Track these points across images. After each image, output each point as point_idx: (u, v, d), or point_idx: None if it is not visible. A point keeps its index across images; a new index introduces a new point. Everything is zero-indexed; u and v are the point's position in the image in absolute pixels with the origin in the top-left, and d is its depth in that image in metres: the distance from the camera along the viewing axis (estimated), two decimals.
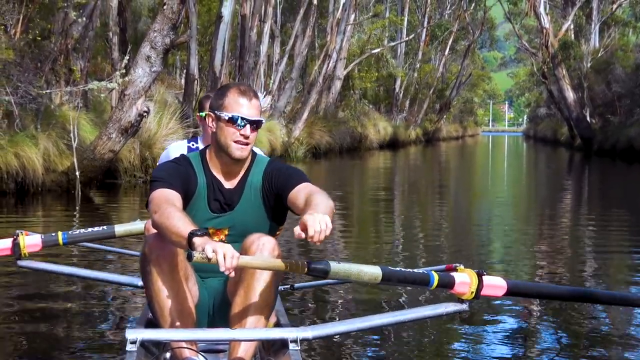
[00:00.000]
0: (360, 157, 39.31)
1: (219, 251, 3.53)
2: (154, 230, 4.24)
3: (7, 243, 5.36)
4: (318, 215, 3.69)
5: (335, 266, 3.73)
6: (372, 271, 3.82)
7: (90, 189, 17.18)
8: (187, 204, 4.25)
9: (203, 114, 5.55)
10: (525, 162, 42.70)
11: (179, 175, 4.25)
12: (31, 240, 5.37)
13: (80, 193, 16.37)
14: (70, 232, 5.62)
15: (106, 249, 7.21)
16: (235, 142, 4.26)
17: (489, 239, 12.42)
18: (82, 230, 5.74)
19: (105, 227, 5.84)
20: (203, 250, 3.55)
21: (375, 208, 16.83)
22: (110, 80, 17.55)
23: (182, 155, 4.49)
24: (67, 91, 18.81)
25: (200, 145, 5.75)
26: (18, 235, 5.35)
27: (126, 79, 16.25)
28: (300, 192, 4.16)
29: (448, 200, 19.29)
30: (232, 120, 4.25)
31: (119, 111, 16.21)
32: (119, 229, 5.84)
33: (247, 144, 4.28)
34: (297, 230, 3.66)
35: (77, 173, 16.47)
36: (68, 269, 5.84)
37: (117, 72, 17.58)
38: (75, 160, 16.54)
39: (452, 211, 16.40)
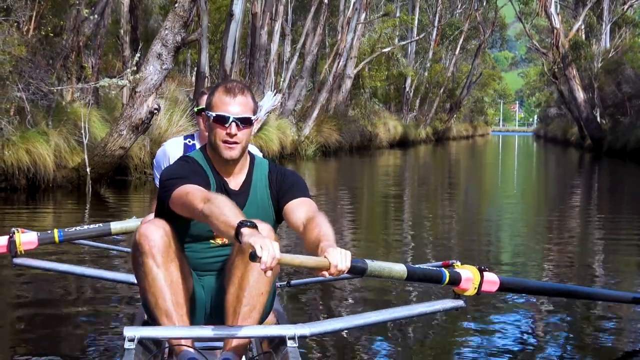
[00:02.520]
0: (370, 156, 39.33)
1: (265, 249, 3.44)
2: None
3: (2, 241, 5.32)
4: (342, 251, 3.66)
5: (371, 264, 3.81)
6: (399, 269, 3.93)
7: (101, 185, 17.26)
8: None
9: (196, 109, 5.54)
10: (535, 162, 42.65)
11: (199, 174, 4.17)
12: (27, 238, 5.33)
13: (90, 189, 16.44)
14: (66, 230, 5.58)
15: (102, 246, 7.14)
16: (224, 142, 4.16)
17: (496, 237, 12.42)
18: (78, 228, 5.70)
19: (101, 224, 5.83)
20: (253, 247, 3.47)
21: (382, 205, 16.86)
22: (122, 78, 17.62)
23: (187, 157, 4.36)
24: (79, 88, 18.90)
25: (197, 142, 5.68)
26: (14, 233, 5.29)
27: (137, 76, 16.31)
28: (300, 207, 4.13)
29: (456, 198, 19.30)
30: (218, 120, 4.16)
31: (129, 108, 16.28)
32: (115, 226, 5.82)
33: (235, 143, 4.17)
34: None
35: (88, 169, 16.56)
36: (64, 266, 5.77)
37: (128, 70, 17.65)
38: (86, 156, 16.63)
39: (460, 209, 16.42)
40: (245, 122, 4.18)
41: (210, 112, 4.19)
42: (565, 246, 11.18)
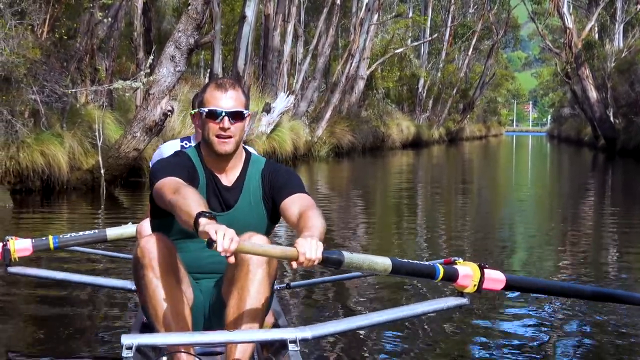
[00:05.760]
0: (383, 157, 39.31)
1: (219, 233, 3.42)
2: (146, 233, 4.18)
3: None
4: (313, 241, 3.60)
5: (348, 256, 3.67)
6: (383, 262, 3.80)
7: (115, 187, 17.34)
8: None
9: (193, 111, 5.57)
10: (549, 162, 42.58)
11: (184, 168, 4.18)
12: (21, 245, 5.23)
13: (104, 191, 16.53)
14: (61, 236, 5.52)
15: (98, 252, 7.07)
16: (217, 136, 4.19)
17: (508, 236, 12.36)
18: (73, 234, 5.64)
19: (96, 230, 5.78)
20: (207, 233, 3.45)
21: (395, 204, 16.88)
22: (135, 80, 17.73)
23: (180, 151, 4.42)
24: (93, 90, 19.01)
25: (193, 144, 5.58)
26: (8, 240, 5.19)
27: (151, 78, 16.40)
28: (295, 203, 4.10)
29: (469, 198, 19.29)
30: (210, 115, 4.19)
31: (143, 110, 16.36)
32: (111, 232, 5.78)
33: (229, 137, 4.19)
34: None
35: (102, 171, 16.64)
36: (60, 274, 5.68)
37: (142, 72, 17.74)
38: (100, 158, 16.72)
39: (472, 208, 16.40)
40: (238, 116, 4.21)
41: (203, 108, 4.23)
42: (579, 246, 11.17)
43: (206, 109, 4.21)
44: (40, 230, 11.33)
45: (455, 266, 4.06)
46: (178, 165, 4.17)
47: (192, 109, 5.55)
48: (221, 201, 4.27)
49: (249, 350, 3.96)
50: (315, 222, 3.85)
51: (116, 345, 5.45)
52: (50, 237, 5.47)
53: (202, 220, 3.54)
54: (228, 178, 4.30)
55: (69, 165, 16.59)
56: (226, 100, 4.20)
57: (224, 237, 3.41)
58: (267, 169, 4.33)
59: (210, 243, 3.41)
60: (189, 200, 3.71)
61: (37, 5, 16.98)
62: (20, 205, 14.55)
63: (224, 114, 4.18)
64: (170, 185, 3.91)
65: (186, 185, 3.91)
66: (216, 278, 4.26)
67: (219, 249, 3.40)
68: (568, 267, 9.26)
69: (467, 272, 4.04)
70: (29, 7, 16.67)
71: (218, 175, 4.29)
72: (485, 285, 4.06)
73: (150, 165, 5.74)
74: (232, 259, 3.51)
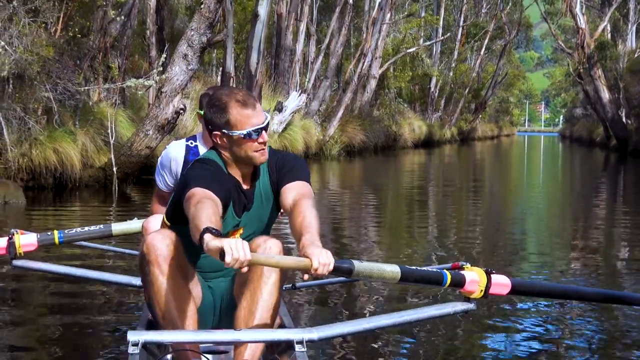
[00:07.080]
0: (394, 156, 39.29)
1: (234, 254, 3.42)
2: (152, 229, 4.17)
3: (2, 242, 5.20)
4: (323, 251, 3.64)
5: (358, 265, 3.72)
6: (392, 270, 3.83)
7: (127, 184, 17.38)
8: (225, 211, 4.10)
9: (202, 112, 5.32)
10: (561, 162, 42.49)
11: (218, 178, 4.12)
12: (27, 240, 5.22)
13: (117, 188, 16.60)
14: (66, 231, 5.52)
15: (103, 248, 7.06)
16: (256, 151, 4.16)
17: (519, 239, 12.34)
18: (79, 229, 5.63)
19: (101, 226, 5.77)
20: (219, 249, 3.45)
21: (405, 205, 16.89)
22: (148, 78, 17.80)
23: (210, 160, 4.27)
24: (105, 88, 19.07)
25: (199, 144, 5.60)
26: (13, 234, 5.18)
27: (163, 76, 16.45)
28: (292, 190, 4.14)
29: (481, 198, 19.26)
30: (249, 135, 4.13)
31: (155, 108, 16.42)
32: (116, 228, 5.78)
33: (264, 147, 4.19)
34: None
35: (114, 169, 16.71)
36: (64, 268, 5.57)
37: (155, 70, 17.82)
38: (112, 156, 16.79)
39: (483, 209, 16.36)
40: (267, 126, 4.21)
41: (238, 131, 4.13)
42: (590, 247, 11.12)
43: (244, 132, 4.12)
44: (52, 227, 11.38)
45: (462, 272, 4.08)
46: (212, 176, 4.11)
47: (200, 109, 5.55)
48: (244, 204, 4.26)
49: (258, 351, 3.96)
50: (312, 220, 3.88)
51: (122, 342, 5.48)
52: (56, 232, 5.47)
53: (207, 237, 3.52)
54: (247, 180, 4.30)
55: (82, 163, 16.66)
56: (257, 117, 4.14)
57: (236, 261, 3.43)
58: (272, 159, 4.31)
59: (222, 257, 3.43)
60: (201, 214, 3.69)
61: (50, 3, 17.05)
62: (32, 202, 14.59)
63: (262, 130, 4.15)
64: (196, 197, 3.87)
65: (208, 199, 3.87)
66: (229, 278, 4.28)
67: (235, 266, 3.45)
68: (579, 269, 9.24)
69: (474, 277, 4.06)
70: (43, 5, 16.73)
71: (240, 180, 4.28)
72: (491, 291, 4.07)
73: (158, 164, 5.77)
74: (244, 269, 3.54)
